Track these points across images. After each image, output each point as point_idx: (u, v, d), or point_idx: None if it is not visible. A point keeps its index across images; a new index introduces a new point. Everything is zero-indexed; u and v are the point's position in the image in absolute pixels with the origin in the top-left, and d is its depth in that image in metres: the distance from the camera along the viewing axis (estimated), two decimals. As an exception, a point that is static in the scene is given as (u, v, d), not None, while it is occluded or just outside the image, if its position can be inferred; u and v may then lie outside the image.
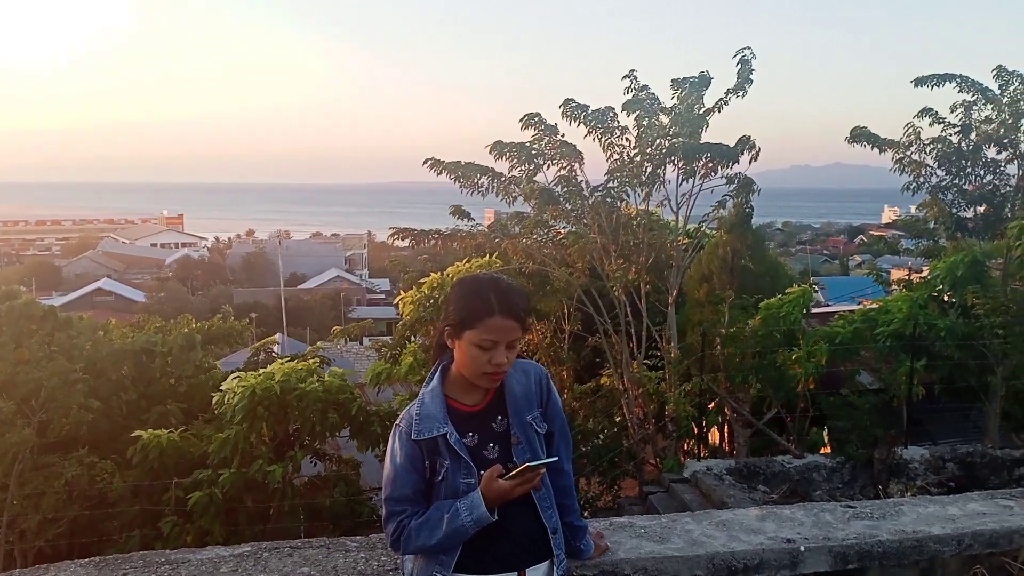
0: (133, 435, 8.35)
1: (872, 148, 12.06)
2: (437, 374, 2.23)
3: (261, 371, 8.97)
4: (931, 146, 11.65)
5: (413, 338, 11.92)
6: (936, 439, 10.97)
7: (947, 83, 11.69)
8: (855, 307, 12.51)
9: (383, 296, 56.96)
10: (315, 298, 52.49)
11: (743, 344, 9.91)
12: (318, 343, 18.97)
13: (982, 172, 11.61)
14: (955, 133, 11.59)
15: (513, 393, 2.21)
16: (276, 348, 19.05)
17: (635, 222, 11.64)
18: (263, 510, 8.36)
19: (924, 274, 11.41)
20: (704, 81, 11.07)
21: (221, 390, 8.71)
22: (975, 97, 11.53)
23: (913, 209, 15.35)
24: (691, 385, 10.14)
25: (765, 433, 10.19)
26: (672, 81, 11.25)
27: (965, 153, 11.53)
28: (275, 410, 8.47)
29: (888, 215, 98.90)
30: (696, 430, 10.69)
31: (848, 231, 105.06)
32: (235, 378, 8.76)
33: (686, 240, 12.08)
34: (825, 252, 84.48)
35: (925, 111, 11.77)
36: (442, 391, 2.19)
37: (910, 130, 11.82)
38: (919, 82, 11.74)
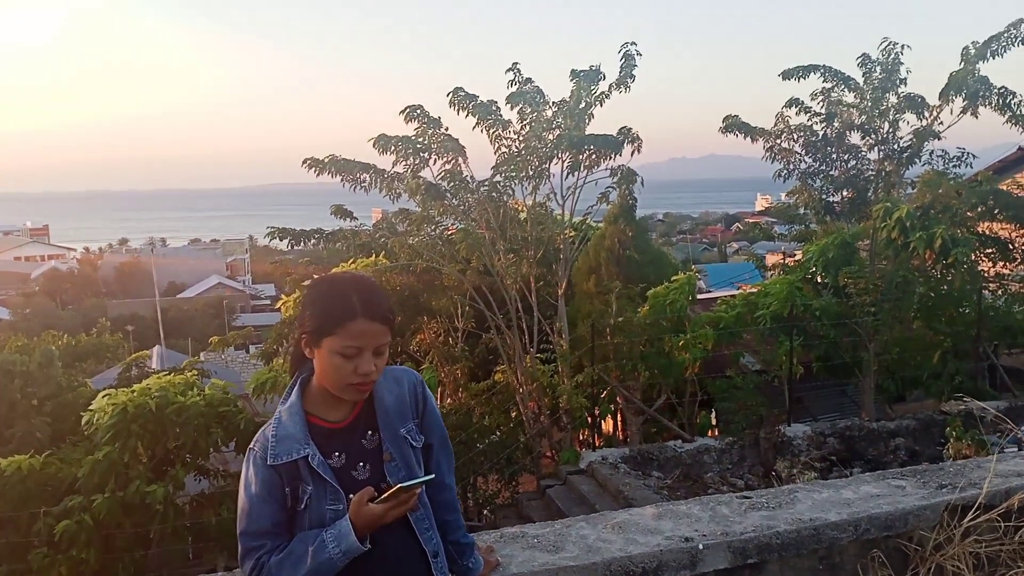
0: (-9, 461, 7.72)
1: (744, 137, 12.44)
2: (296, 388, 1.97)
3: (134, 387, 8.47)
4: (798, 134, 12.10)
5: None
6: (816, 415, 11.42)
7: (812, 74, 12.16)
8: (736, 292, 12.88)
9: (268, 302, 55.20)
10: (196, 307, 50.21)
11: (632, 333, 10.03)
12: (200, 354, 18.16)
13: (846, 157, 12.14)
14: (820, 121, 12.09)
15: (384, 404, 1.98)
16: (155, 362, 18.11)
17: (523, 216, 11.60)
18: (144, 534, 7.87)
19: (798, 257, 11.88)
20: (595, 74, 11.13)
21: (91, 409, 8.19)
22: (834, 84, 12.04)
23: (784, 196, 15.98)
24: (583, 376, 10.18)
25: (656, 419, 10.36)
26: (571, 71, 11.30)
27: (830, 140, 12.04)
28: (151, 427, 8.00)
29: (761, 203, 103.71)
30: (590, 420, 10.76)
31: (725, 219, 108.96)
32: (105, 396, 8.24)
33: (573, 233, 12.13)
34: (704, 240, 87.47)
35: (792, 101, 12.21)
36: (302, 407, 1.94)
37: (780, 120, 12.25)
38: (786, 75, 12.15)
